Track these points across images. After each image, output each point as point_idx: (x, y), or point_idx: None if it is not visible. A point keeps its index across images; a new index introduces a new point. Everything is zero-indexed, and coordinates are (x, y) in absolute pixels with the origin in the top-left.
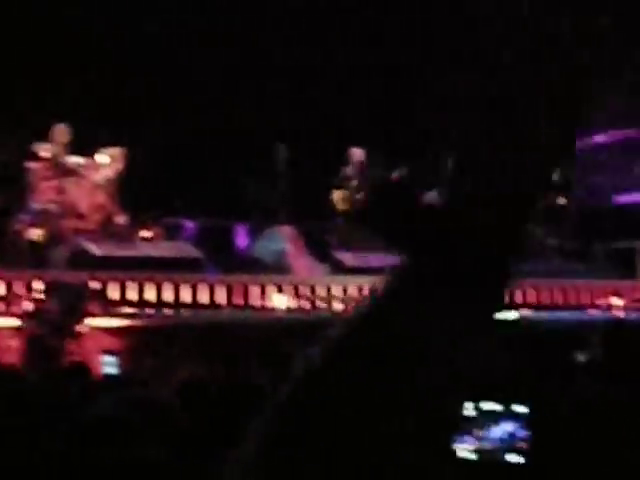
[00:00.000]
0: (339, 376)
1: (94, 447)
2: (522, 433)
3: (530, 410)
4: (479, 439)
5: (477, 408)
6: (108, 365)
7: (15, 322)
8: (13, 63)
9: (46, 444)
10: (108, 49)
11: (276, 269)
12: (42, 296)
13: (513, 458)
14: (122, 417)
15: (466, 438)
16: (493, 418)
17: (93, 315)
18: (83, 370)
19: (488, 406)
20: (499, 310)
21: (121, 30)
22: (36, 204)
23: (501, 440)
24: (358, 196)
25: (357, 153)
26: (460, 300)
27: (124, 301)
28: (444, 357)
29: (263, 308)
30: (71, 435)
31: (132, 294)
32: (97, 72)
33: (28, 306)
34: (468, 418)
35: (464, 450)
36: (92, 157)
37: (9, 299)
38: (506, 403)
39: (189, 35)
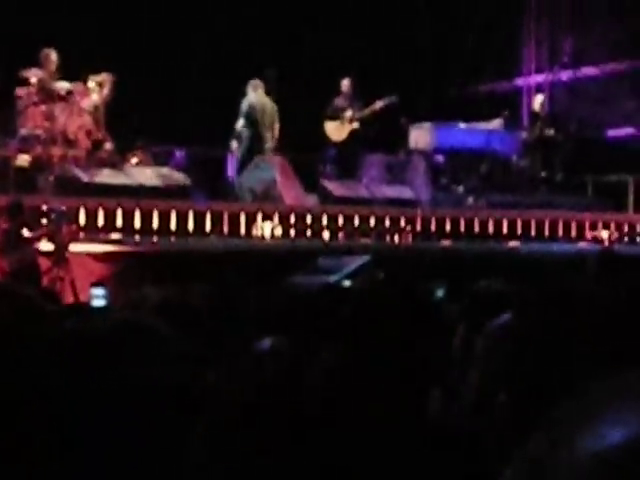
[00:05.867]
0: None
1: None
2: None
3: None
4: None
5: None
6: (97, 298)
7: None
8: None
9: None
10: None
11: (265, 198)
12: (28, 221)
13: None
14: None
15: None
16: None
17: (79, 241)
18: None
19: None
20: None
21: None
22: (24, 130)
23: None
24: (351, 126)
25: (348, 83)
26: None
27: (111, 228)
28: None
29: (250, 236)
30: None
31: (119, 221)
32: None
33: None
34: None
35: None
36: (81, 83)
37: None
38: None
39: None
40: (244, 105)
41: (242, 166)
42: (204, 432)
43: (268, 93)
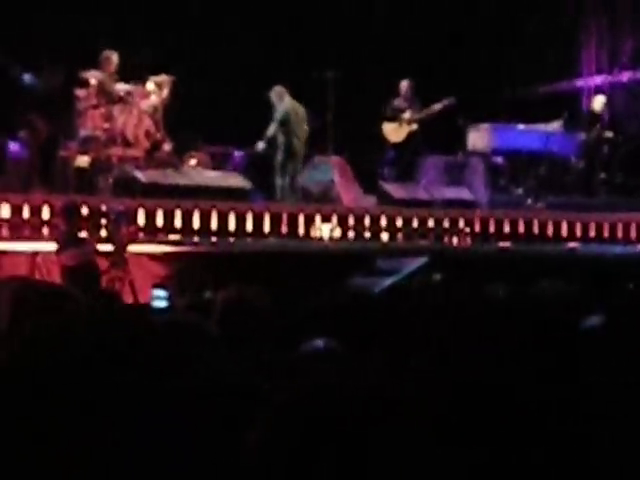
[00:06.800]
0: None
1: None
2: None
3: None
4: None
5: None
6: (158, 299)
7: (54, 246)
8: None
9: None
10: None
11: (323, 199)
12: (87, 221)
13: None
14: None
15: None
16: None
17: (138, 241)
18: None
19: None
20: None
21: None
22: (83, 131)
23: None
24: (410, 128)
25: (407, 85)
26: None
27: (170, 228)
28: None
29: (309, 237)
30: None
31: (178, 222)
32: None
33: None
34: None
35: None
36: (140, 84)
37: (53, 224)
38: None
39: None
40: (279, 113)
41: (283, 171)
42: (258, 431)
43: (295, 97)
